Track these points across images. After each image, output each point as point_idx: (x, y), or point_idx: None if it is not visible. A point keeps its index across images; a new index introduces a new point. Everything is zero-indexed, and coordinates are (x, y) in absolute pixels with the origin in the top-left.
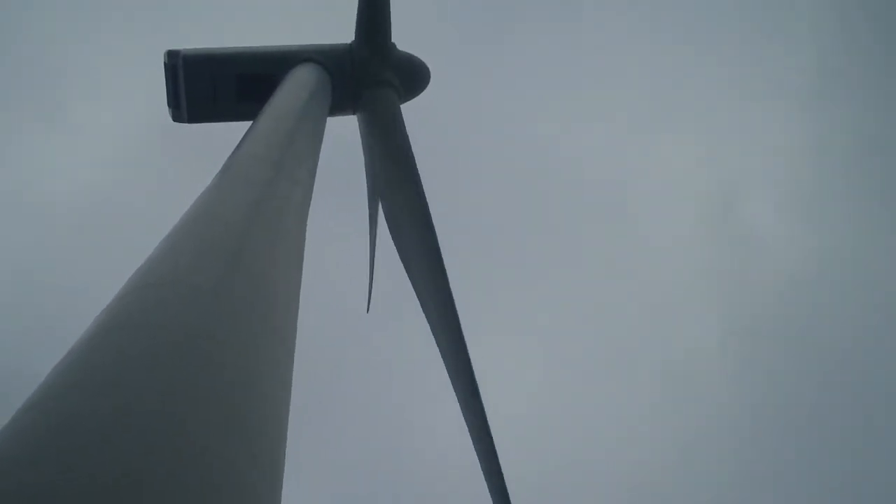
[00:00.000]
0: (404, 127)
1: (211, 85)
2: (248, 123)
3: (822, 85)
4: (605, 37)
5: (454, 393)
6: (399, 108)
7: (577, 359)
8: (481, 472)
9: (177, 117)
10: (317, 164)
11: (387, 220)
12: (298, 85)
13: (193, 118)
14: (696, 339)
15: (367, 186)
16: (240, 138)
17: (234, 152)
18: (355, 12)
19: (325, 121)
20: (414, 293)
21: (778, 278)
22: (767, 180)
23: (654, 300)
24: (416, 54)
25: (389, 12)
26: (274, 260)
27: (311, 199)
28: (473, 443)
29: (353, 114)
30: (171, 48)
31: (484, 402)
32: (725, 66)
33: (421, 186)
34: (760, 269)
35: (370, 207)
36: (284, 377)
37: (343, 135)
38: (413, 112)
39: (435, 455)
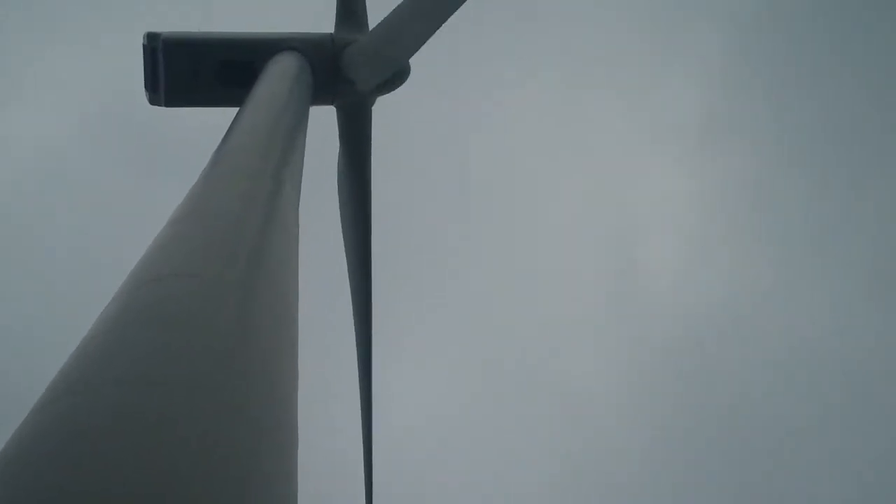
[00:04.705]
0: (369, 144)
1: (191, 70)
2: (224, 110)
3: (710, 132)
4: (502, 78)
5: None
6: (370, 121)
7: (471, 390)
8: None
9: (154, 101)
10: (303, 154)
11: (340, 210)
12: (281, 74)
13: (171, 102)
14: (592, 375)
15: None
16: (205, 130)
17: (221, 144)
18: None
19: (308, 111)
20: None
21: (675, 323)
22: (661, 226)
23: (551, 338)
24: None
25: (365, 2)
26: (278, 251)
27: (300, 189)
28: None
29: (332, 104)
30: (149, 31)
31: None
32: (618, 111)
33: (369, 211)
34: (655, 311)
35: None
36: (294, 370)
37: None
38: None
39: None
